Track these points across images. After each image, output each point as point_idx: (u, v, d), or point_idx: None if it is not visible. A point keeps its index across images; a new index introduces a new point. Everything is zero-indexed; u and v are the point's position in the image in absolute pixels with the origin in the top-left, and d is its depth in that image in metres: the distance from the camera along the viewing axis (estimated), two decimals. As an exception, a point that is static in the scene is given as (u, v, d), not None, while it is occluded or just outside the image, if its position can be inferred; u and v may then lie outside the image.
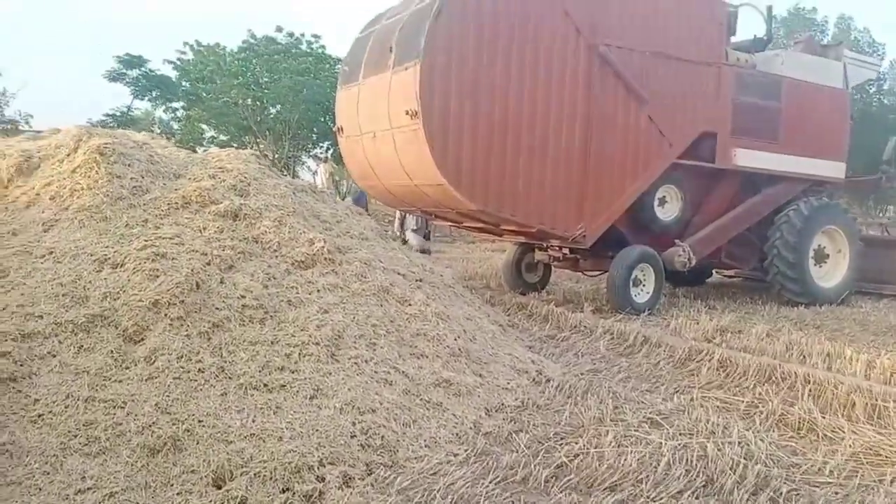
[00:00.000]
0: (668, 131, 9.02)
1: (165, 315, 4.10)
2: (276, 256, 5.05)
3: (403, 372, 4.51)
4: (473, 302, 6.92)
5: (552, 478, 3.74)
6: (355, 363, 4.34)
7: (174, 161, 5.71)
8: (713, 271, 12.63)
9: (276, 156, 27.21)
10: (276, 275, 4.84)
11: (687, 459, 3.99)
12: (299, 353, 4.24)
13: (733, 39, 10.07)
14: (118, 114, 24.75)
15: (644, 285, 9.08)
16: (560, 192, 8.39)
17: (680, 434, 4.49)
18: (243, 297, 4.49)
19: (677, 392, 5.50)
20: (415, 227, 12.56)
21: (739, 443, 4.29)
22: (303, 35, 27.69)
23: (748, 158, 9.78)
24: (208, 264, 4.58)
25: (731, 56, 9.64)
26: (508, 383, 5.13)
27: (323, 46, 28.28)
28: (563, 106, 8.27)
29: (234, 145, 25.86)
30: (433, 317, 5.25)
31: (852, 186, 12.03)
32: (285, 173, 25.96)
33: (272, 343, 4.26)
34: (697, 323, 7.96)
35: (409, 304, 5.28)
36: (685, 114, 9.17)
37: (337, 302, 4.83)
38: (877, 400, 5.07)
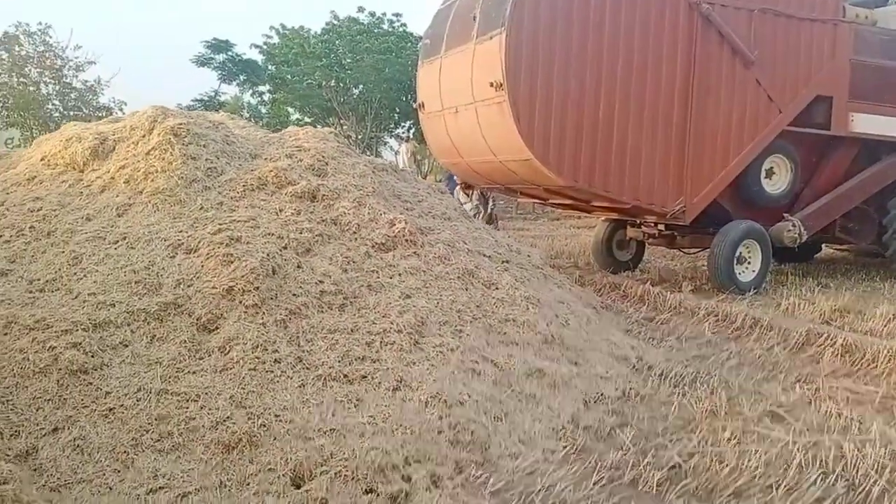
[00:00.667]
0: (778, 96, 8.25)
1: (240, 302, 3.89)
2: (356, 239, 4.78)
3: (493, 361, 4.16)
4: (564, 283, 6.49)
5: (665, 481, 3.31)
6: (441, 352, 4.02)
7: (250, 141, 5.53)
8: (822, 246, 11.67)
9: (359, 136, 27.26)
10: (356, 258, 4.57)
11: (821, 460, 3.49)
12: (381, 342, 3.95)
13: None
14: (206, 98, 25.27)
15: (749, 263, 8.38)
16: (657, 165, 7.79)
17: (808, 430, 3.97)
18: (321, 282, 4.24)
19: (799, 381, 4.92)
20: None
21: (881, 441, 3.73)
22: (384, 14, 27.53)
23: (868, 124, 8.84)
24: (284, 248, 4.35)
25: (848, 12, 8.71)
26: (607, 371, 4.70)
27: (404, 24, 28.03)
28: (662, 71, 7.66)
29: (318, 126, 26.05)
30: (522, 301, 4.87)
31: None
32: (368, 153, 26.02)
33: (352, 331, 3.99)
34: (812, 303, 7.26)
35: (497, 288, 4.92)
36: (797, 76, 8.36)
37: (419, 286, 4.52)
38: None
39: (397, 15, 27.73)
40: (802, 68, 8.38)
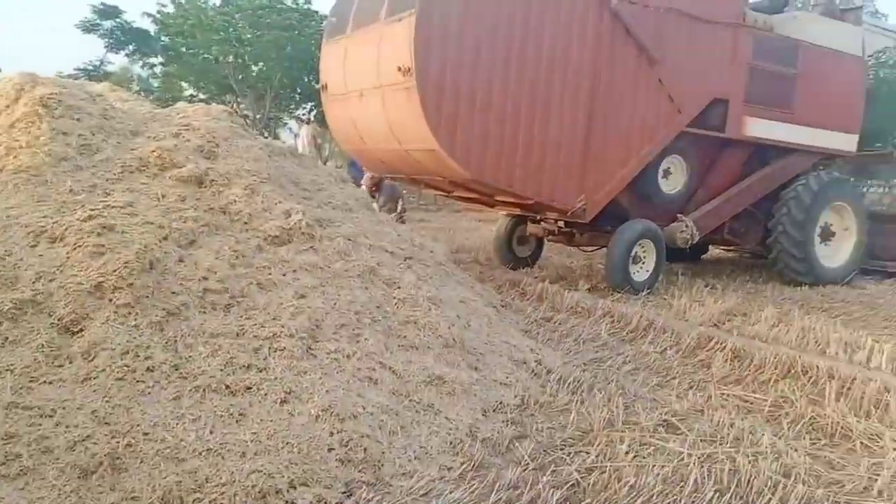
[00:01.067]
0: (678, 96, 8.39)
1: (110, 301, 3.46)
2: (247, 230, 4.41)
3: (391, 368, 3.93)
4: (466, 281, 6.33)
5: (565, 501, 3.20)
6: (335, 359, 3.75)
7: (133, 117, 5.01)
8: (709, 247, 12.12)
9: (257, 116, 26.28)
10: (246, 252, 4.21)
11: (716, 476, 3.47)
12: (269, 348, 3.63)
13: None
14: (90, 68, 23.59)
15: (644, 262, 8.53)
16: (561, 162, 7.77)
17: (702, 441, 3.98)
18: (206, 278, 3.87)
19: (692, 388, 4.98)
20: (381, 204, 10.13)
21: (772, 454, 3.77)
22: (289, -11, 26.52)
23: (761, 129, 9.17)
24: (165, 239, 3.93)
25: (748, 17, 8.96)
26: (507, 377, 4.57)
27: (309, 1, 27.17)
28: (570, 67, 7.61)
29: (214, 104, 24.89)
30: (424, 301, 4.66)
31: (861, 161, 11.47)
32: (265, 134, 25.09)
33: (238, 335, 3.65)
34: (702, 305, 7.45)
35: (399, 287, 4.68)
36: (697, 78, 8.53)
37: (316, 285, 4.22)
38: (914, 401, 4.58)
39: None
40: (703, 70, 8.55)
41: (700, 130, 8.73)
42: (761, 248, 10.22)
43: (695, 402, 4.63)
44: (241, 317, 3.79)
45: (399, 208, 10.60)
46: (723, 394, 4.83)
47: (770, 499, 3.25)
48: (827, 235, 9.84)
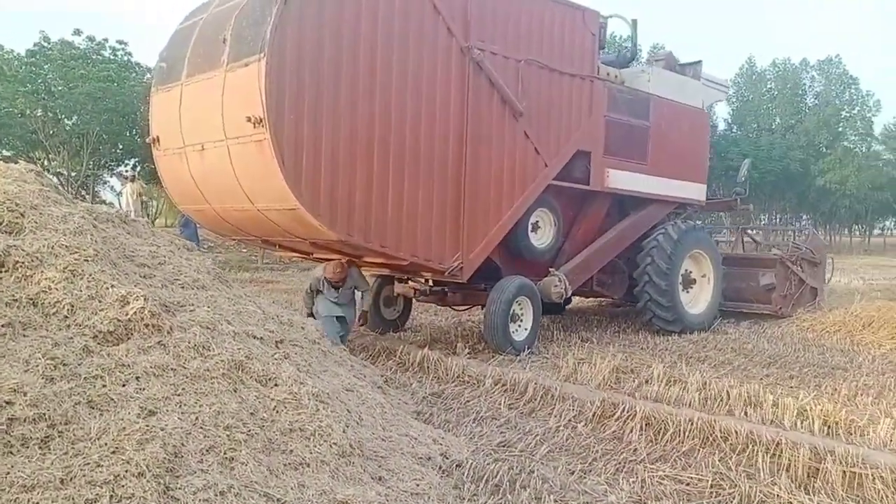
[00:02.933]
0: (544, 149, 8.14)
1: None
2: (69, 327, 3.30)
3: (279, 500, 2.98)
4: (345, 360, 5.45)
5: None
6: (205, 500, 2.75)
7: None
8: (572, 298, 12.01)
9: (72, 174, 23.84)
10: (69, 358, 3.10)
11: None
12: (111, 497, 2.58)
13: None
14: None
15: (522, 321, 8.10)
16: (434, 219, 7.18)
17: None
18: (10, 403, 2.73)
19: (619, 471, 4.40)
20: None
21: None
22: (105, 40, 24.59)
23: (620, 180, 9.19)
24: (-54, 351, 2.77)
25: (601, 70, 8.98)
26: (417, 485, 3.73)
27: (130, 53, 25.36)
28: (437, 117, 7.11)
29: (19, 162, 22.23)
30: (310, 400, 3.73)
31: (710, 208, 11.96)
32: (83, 195, 22.72)
33: (63, 483, 2.55)
34: (590, 364, 7.05)
35: (276, 385, 3.72)
36: (560, 130, 8.35)
37: (169, 395, 3.18)
38: (846, 466, 4.28)
39: (122, 42, 25.01)
40: (565, 122, 8.40)
41: (567, 183, 8.52)
42: (628, 299, 10.18)
43: (630, 491, 4.05)
44: (67, 454, 2.69)
45: (361, 302, 8.48)
46: (655, 477, 4.28)
47: None
48: (688, 283, 9.97)
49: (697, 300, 10.10)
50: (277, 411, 3.55)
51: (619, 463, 4.55)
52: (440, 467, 4.19)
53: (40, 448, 2.68)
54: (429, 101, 7.03)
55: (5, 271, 3.42)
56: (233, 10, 6.75)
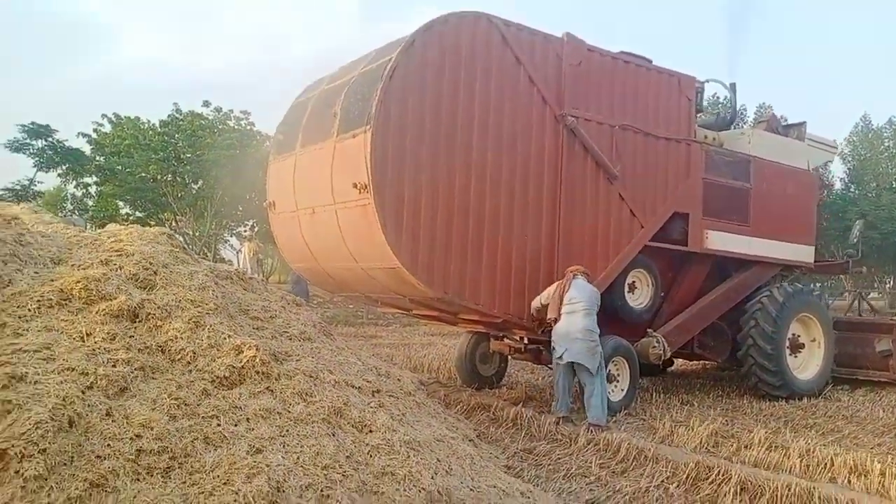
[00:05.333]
0: (640, 211, 8.23)
1: (17, 473, 2.71)
2: (191, 371, 3.72)
3: (369, 538, 3.21)
4: (438, 413, 5.68)
5: None
6: (303, 532, 3.03)
7: (55, 242, 4.35)
8: (674, 360, 11.77)
9: (197, 233, 25.61)
10: (190, 399, 3.51)
11: None
12: (221, 524, 2.90)
13: (700, 116, 9.51)
14: (19, 187, 22.67)
15: (619, 381, 8.05)
16: (528, 280, 7.38)
17: None
18: (139, 436, 3.14)
19: (712, 536, 4.36)
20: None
21: None
22: (231, 111, 26.62)
23: (720, 241, 9.07)
24: (89, 388, 3.22)
25: (699, 133, 9.03)
26: (502, 535, 3.87)
27: (252, 123, 27.28)
28: (530, 182, 7.38)
29: (152, 223, 24.18)
30: (402, 447, 3.98)
31: (821, 270, 11.52)
32: (206, 253, 24.34)
33: (180, 509, 2.91)
34: (688, 427, 6.93)
35: (370, 431, 4.01)
36: (656, 192, 8.42)
37: (274, 435, 3.52)
38: (957, 541, 4.07)
39: (245, 112, 26.95)
40: (661, 185, 8.47)
41: (663, 244, 8.53)
42: (731, 362, 9.90)
43: (718, 553, 4.01)
44: (185, 483, 3.05)
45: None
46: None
47: None
48: (796, 347, 9.60)
49: (807, 365, 9.68)
50: (371, 455, 3.81)
51: (711, 527, 4.49)
52: (527, 520, 4.30)
53: (163, 477, 3.05)
54: (523, 165, 7.33)
55: (139, 321, 3.90)
56: (343, 86, 7.36)
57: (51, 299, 3.72)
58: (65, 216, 22.51)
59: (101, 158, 24.52)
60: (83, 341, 3.53)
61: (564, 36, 7.77)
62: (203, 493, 3.02)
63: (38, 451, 2.79)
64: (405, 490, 3.69)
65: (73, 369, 3.26)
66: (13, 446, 2.77)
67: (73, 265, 4.11)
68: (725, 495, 5.07)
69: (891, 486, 5.10)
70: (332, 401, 4.03)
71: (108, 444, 3.04)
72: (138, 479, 2.98)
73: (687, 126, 8.78)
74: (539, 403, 8.17)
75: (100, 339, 3.58)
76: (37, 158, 22.43)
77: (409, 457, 3.92)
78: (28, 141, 21.99)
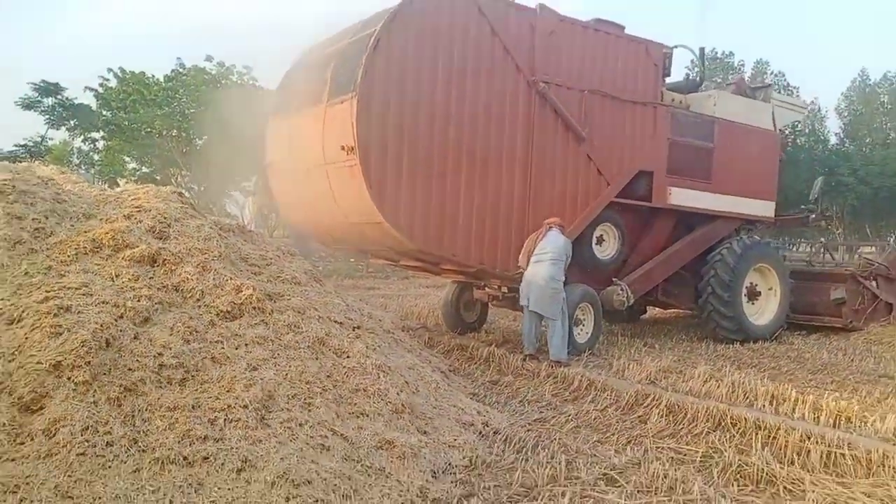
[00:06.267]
0: (606, 170, 8.97)
1: (69, 379, 3.58)
2: (200, 306, 4.58)
3: (343, 435, 4.10)
4: (414, 348, 6.56)
5: (509, 554, 3.40)
6: (289, 427, 3.92)
7: (85, 199, 5.18)
8: (647, 308, 12.63)
9: (203, 188, 26.32)
10: (199, 327, 4.37)
11: (650, 525, 3.72)
12: (225, 419, 3.78)
13: (668, 80, 10.14)
14: (31, 144, 23.43)
15: (584, 325, 8.90)
16: (500, 232, 8.18)
17: (638, 492, 4.24)
18: (160, 354, 4.01)
19: (629, 443, 5.26)
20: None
21: (702, 501, 4.05)
22: (234, 66, 27.01)
23: (683, 197, 9.83)
24: (120, 317, 4.08)
25: (665, 96, 9.71)
26: (455, 440, 4.77)
27: (254, 78, 27.64)
28: (504, 145, 8.11)
29: (158, 177, 24.91)
30: (374, 369, 4.86)
31: (780, 224, 12.28)
32: (212, 207, 25.10)
33: (193, 408, 3.79)
34: (640, 364, 7.79)
35: (348, 356, 4.88)
36: (622, 153, 9.15)
37: (267, 357, 4.40)
38: (831, 447, 4.95)
39: (248, 67, 27.29)
40: (627, 145, 9.19)
41: (628, 201, 9.29)
42: (694, 308, 10.73)
43: (632, 456, 4.91)
44: (197, 390, 3.93)
45: None
46: (658, 447, 5.12)
47: (699, 542, 3.50)
48: (753, 295, 10.42)
49: (763, 311, 10.52)
50: (347, 375, 4.69)
51: (632, 437, 5.39)
52: (479, 431, 5.21)
53: (179, 385, 3.92)
54: (498, 127, 8.07)
55: (157, 266, 4.75)
56: (334, 54, 8.06)
57: (86, 247, 4.56)
58: (71, 171, 23.17)
59: (108, 113, 25.12)
60: (113, 281, 4.38)
61: (538, 7, 8.42)
62: (210, 397, 3.90)
63: (84, 363, 3.66)
64: (374, 402, 4.58)
65: (107, 302, 4.11)
66: (65, 359, 3.64)
67: (101, 219, 4.94)
68: (655, 416, 5.96)
69: (802, 410, 5.95)
70: (316, 332, 4.90)
71: (137, 360, 3.91)
72: (160, 387, 3.86)
73: (654, 90, 9.46)
74: (513, 345, 9.04)
75: (126, 280, 4.43)
76: (47, 116, 23.12)
77: (378, 377, 4.80)
78: (39, 98, 22.66)
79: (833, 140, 34.11)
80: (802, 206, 12.14)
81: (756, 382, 6.86)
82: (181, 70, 25.88)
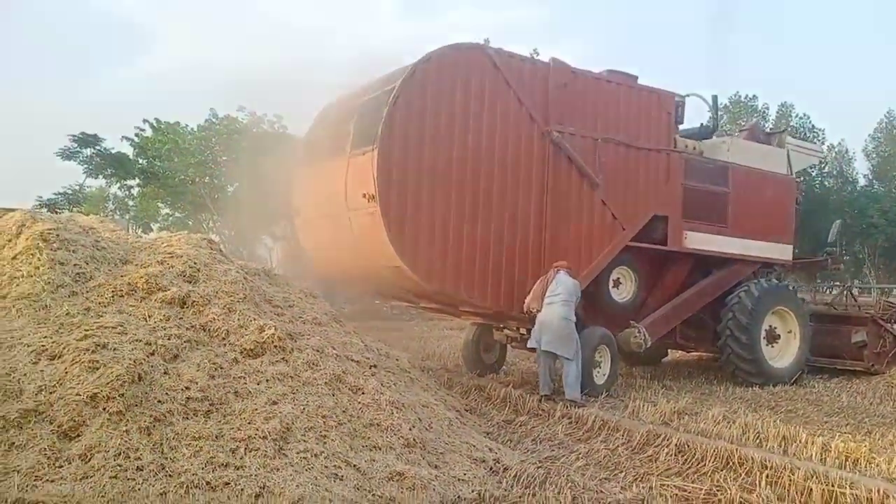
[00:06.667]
0: (621, 214, 9.22)
1: (104, 409, 3.91)
2: (225, 345, 4.91)
3: (355, 465, 4.35)
4: (430, 387, 6.80)
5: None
6: (304, 458, 4.18)
7: (122, 246, 5.58)
8: (668, 351, 12.70)
9: (232, 233, 26.97)
10: (224, 364, 4.69)
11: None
12: (245, 448, 4.07)
13: (681, 127, 10.43)
14: (69, 192, 24.41)
15: (601, 367, 9.03)
16: (517, 276, 8.43)
17: (641, 528, 4.39)
18: (188, 388, 4.33)
19: (636, 480, 5.40)
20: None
21: (698, 534, 4.20)
22: (265, 114, 27.92)
23: (699, 241, 10.02)
24: (152, 354, 4.42)
25: (679, 143, 9.99)
26: (465, 474, 4.98)
27: (285, 126, 28.48)
28: (519, 192, 8.43)
29: (190, 222, 25.63)
30: (387, 405, 5.12)
31: (800, 268, 12.37)
32: (242, 251, 25.71)
33: (217, 437, 4.09)
34: (655, 405, 7.91)
35: (363, 393, 5.15)
36: (637, 198, 9.40)
37: (286, 392, 4.69)
38: (833, 486, 5.05)
39: (278, 116, 28.14)
40: (641, 191, 9.45)
41: (644, 244, 9.51)
42: (714, 350, 10.81)
43: (637, 492, 5.06)
44: (220, 421, 4.23)
45: None
46: (663, 485, 5.26)
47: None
48: (772, 338, 10.48)
49: (783, 355, 10.55)
50: (361, 410, 4.96)
51: (639, 475, 5.54)
52: (490, 468, 5.40)
53: (204, 416, 4.23)
54: (513, 175, 8.40)
55: (186, 307, 5.10)
56: (357, 107, 8.51)
57: (122, 290, 4.94)
58: (106, 216, 24.02)
59: (144, 161, 26.08)
60: (146, 321, 4.73)
61: (551, 61, 8.82)
62: (233, 428, 4.19)
63: (118, 395, 3.98)
64: (387, 437, 4.82)
65: (140, 340, 4.46)
66: (101, 391, 3.97)
67: (136, 264, 5.33)
68: (665, 455, 6.10)
69: (811, 452, 6.04)
70: (333, 369, 5.18)
71: (166, 393, 4.23)
72: (187, 418, 4.16)
73: (667, 137, 9.75)
74: (531, 387, 9.19)
75: (158, 320, 4.78)
76: (86, 165, 24.10)
77: (392, 413, 5.05)
78: (78, 149, 23.67)
79: (861, 181, 34.00)
80: (823, 251, 12.19)
81: (768, 424, 6.95)
82: (214, 120, 26.81)
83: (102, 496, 3.44)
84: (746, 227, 10.46)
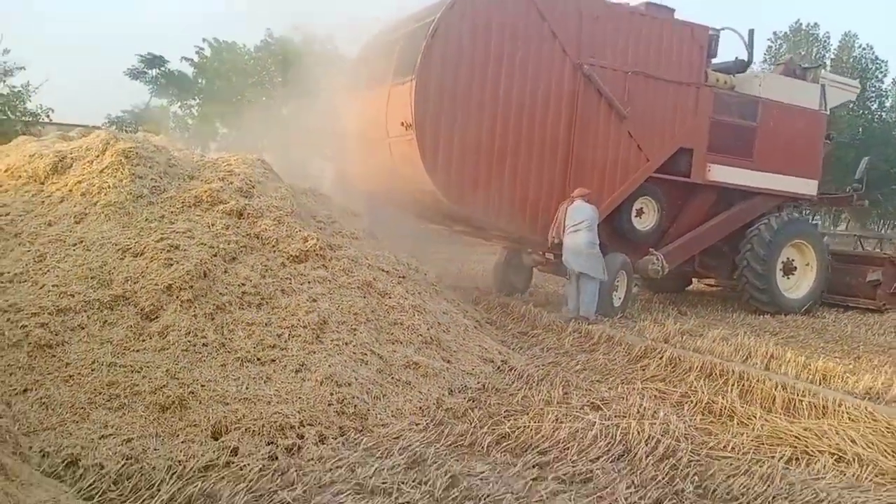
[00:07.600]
0: (646, 146, 9.70)
1: (177, 297, 4.86)
2: (274, 251, 5.80)
3: (379, 354, 5.26)
4: (454, 300, 7.66)
5: (494, 443, 4.48)
6: (337, 345, 5.09)
7: (189, 164, 6.47)
8: (691, 280, 13.25)
9: (285, 154, 27.82)
10: (273, 267, 5.60)
11: (612, 435, 4.70)
12: (289, 334, 4.99)
13: (715, 61, 10.70)
14: (136, 110, 25.65)
15: (617, 290, 9.71)
16: (543, 201, 9.08)
17: (615, 416, 5.20)
18: (243, 285, 5.25)
19: (623, 382, 6.20)
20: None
21: (661, 423, 4.99)
22: (316, 35, 28.33)
23: (723, 174, 10.43)
24: (215, 256, 5.33)
25: (710, 77, 10.30)
26: (473, 369, 5.86)
27: (335, 47, 28.87)
28: (548, 121, 8.98)
29: (246, 142, 26.65)
30: (410, 308, 5.99)
31: (825, 202, 12.66)
32: (295, 170, 26.64)
33: (266, 325, 5.02)
34: (662, 326, 8.63)
35: (389, 297, 6.03)
36: (663, 130, 9.84)
37: (325, 292, 5.58)
38: (795, 395, 5.76)
39: (330, 36, 28.46)
40: (668, 124, 9.88)
41: (667, 175, 10.01)
42: (731, 280, 11.36)
43: (621, 392, 5.87)
44: (269, 312, 5.17)
45: None
46: (646, 387, 6.05)
47: (643, 447, 4.48)
48: (789, 270, 10.98)
49: (798, 286, 11.07)
50: (387, 311, 5.85)
51: (627, 379, 6.34)
52: (497, 367, 6.27)
53: (256, 308, 5.17)
54: (543, 107, 8.95)
55: (243, 218, 5.99)
56: (400, 38, 9.10)
57: (189, 202, 5.85)
58: (167, 134, 25.06)
59: (203, 81, 26.98)
60: (209, 228, 5.64)
61: (584, -7, 9.18)
62: (279, 318, 5.13)
63: (188, 286, 4.92)
64: (407, 334, 5.72)
65: (205, 244, 5.38)
66: (175, 283, 4.91)
67: (201, 180, 6.22)
68: (654, 366, 6.86)
69: (785, 368, 6.72)
70: (366, 276, 6.06)
71: (226, 287, 5.17)
72: (242, 308, 5.11)
73: (698, 71, 10.08)
74: (553, 306, 10.01)
75: (219, 228, 5.68)
76: (151, 85, 25.21)
77: (413, 315, 5.93)
78: (144, 70, 24.74)
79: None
80: (849, 187, 12.42)
81: (761, 345, 7.61)
82: (270, 40, 27.36)
83: (176, 364, 4.41)
84: (771, 161, 10.79)
